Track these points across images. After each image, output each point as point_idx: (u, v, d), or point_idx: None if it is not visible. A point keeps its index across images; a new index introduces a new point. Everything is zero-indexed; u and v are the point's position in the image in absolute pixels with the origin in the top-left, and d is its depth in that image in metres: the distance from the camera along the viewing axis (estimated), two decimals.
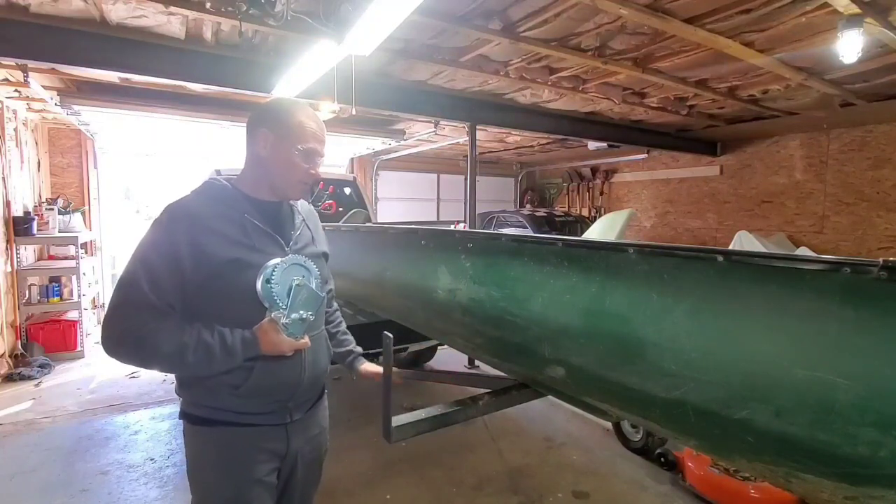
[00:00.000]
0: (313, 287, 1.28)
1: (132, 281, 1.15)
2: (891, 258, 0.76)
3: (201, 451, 1.28)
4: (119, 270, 6.82)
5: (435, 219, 9.79)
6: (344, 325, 1.76)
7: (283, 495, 1.39)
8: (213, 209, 1.24)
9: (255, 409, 1.26)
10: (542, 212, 7.86)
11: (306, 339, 1.27)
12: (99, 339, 1.23)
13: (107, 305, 1.19)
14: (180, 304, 1.18)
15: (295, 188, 1.34)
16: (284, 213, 1.38)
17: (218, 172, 3.87)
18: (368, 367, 1.69)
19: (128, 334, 1.14)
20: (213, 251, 1.18)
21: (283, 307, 1.22)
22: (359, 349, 1.74)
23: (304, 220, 1.43)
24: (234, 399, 1.23)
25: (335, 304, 1.73)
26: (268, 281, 1.21)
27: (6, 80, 4.12)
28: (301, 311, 1.24)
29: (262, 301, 1.23)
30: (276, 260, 1.25)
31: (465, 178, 5.35)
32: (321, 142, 1.34)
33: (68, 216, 5.63)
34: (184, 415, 1.30)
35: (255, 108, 1.37)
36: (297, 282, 1.24)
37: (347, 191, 4.71)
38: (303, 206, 1.49)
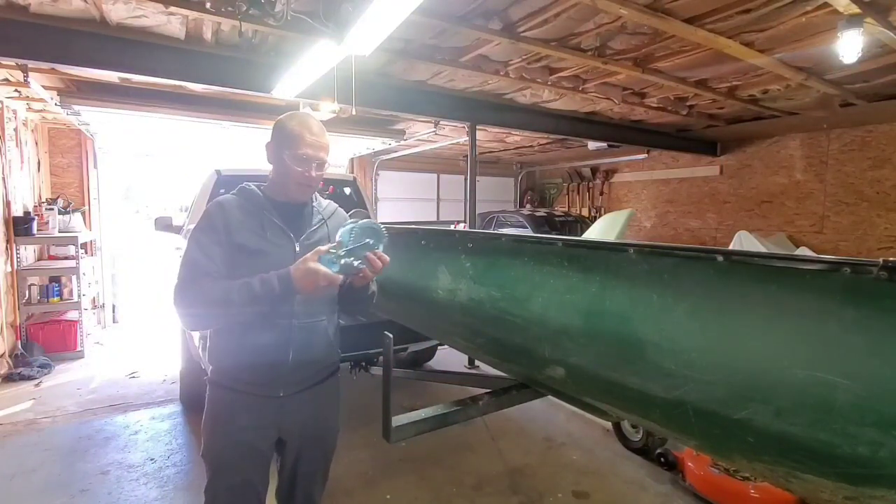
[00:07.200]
0: (380, 249, 1.37)
1: (190, 256, 1.42)
2: (891, 258, 0.76)
3: (207, 405, 1.55)
4: (118, 271, 6.77)
5: (435, 219, 9.78)
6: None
7: (284, 466, 1.59)
8: (241, 205, 1.47)
9: (248, 378, 1.46)
10: (542, 212, 7.85)
11: (341, 278, 1.32)
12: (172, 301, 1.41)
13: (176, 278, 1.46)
14: (226, 270, 1.41)
15: (292, 190, 1.48)
16: (302, 213, 1.54)
17: (218, 173, 3.87)
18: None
19: (188, 292, 1.38)
20: (235, 235, 1.41)
21: (346, 248, 1.31)
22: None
23: (323, 220, 1.57)
24: (233, 370, 1.47)
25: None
26: (350, 230, 1.35)
27: (6, 80, 4.11)
28: (356, 260, 1.32)
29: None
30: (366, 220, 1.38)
31: (465, 178, 5.35)
32: (314, 147, 1.44)
33: (68, 216, 5.63)
34: (207, 379, 1.60)
35: None
36: (370, 240, 1.35)
37: (347, 191, 4.70)
38: (329, 209, 1.62)
